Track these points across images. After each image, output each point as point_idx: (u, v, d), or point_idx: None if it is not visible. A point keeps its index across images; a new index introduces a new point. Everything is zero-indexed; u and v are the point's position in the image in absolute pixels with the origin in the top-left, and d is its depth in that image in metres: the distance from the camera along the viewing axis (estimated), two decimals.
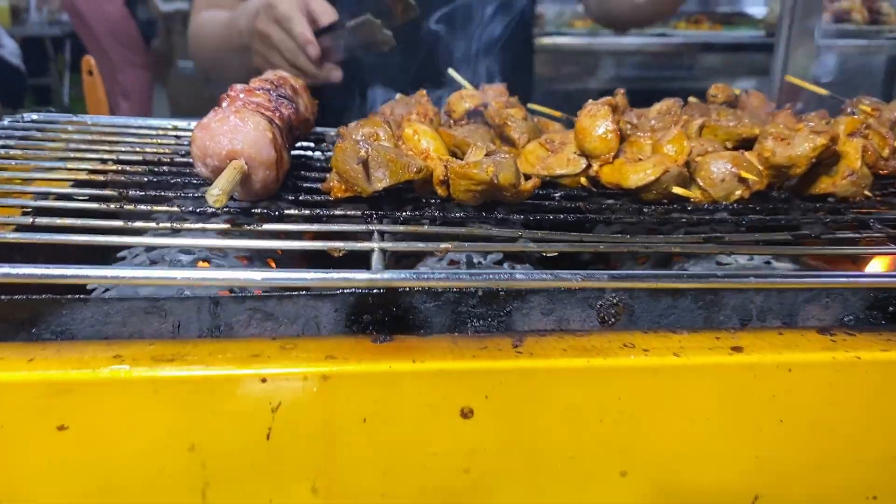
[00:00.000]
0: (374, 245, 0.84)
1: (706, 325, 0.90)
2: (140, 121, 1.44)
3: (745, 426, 0.84)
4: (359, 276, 0.77)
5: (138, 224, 0.88)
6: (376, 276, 0.78)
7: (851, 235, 0.97)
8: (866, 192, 1.08)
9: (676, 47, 5.00)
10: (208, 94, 1.68)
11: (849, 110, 1.38)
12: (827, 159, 1.07)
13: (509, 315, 0.87)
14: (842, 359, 0.82)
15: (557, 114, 1.42)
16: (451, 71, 1.47)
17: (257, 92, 1.09)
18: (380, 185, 0.93)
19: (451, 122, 1.27)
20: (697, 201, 1.05)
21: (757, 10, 5.50)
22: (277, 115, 1.04)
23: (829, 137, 1.03)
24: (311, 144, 1.32)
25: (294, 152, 1.25)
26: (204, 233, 0.92)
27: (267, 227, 0.89)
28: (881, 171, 1.13)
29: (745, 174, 1.04)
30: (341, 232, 0.91)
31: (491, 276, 0.80)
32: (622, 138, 1.10)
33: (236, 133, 0.93)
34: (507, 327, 0.88)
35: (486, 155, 0.99)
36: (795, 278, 0.85)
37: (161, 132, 1.35)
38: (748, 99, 1.39)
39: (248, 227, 0.88)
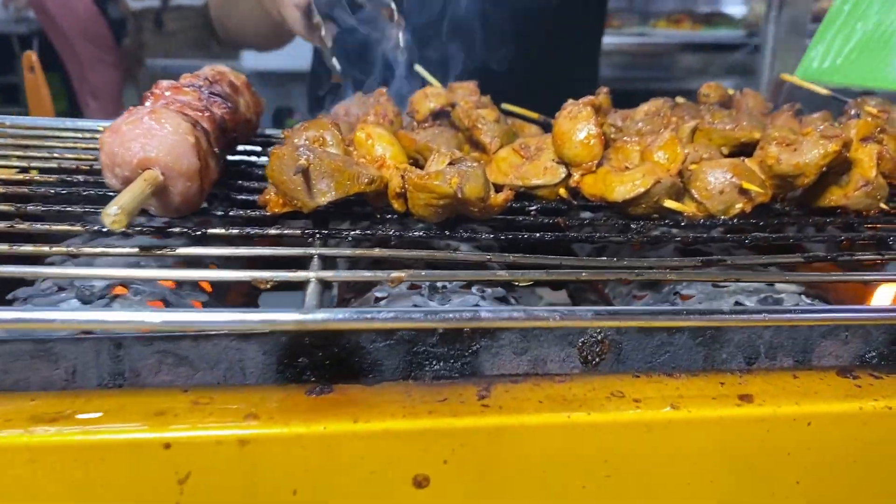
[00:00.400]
0: (311, 275, 0.69)
1: (707, 364, 0.76)
2: (68, 122, 1.28)
3: (756, 489, 0.70)
4: (285, 318, 0.63)
5: (26, 248, 0.73)
6: (307, 316, 0.63)
7: (871, 257, 0.84)
8: (882, 205, 0.95)
9: (656, 47, 4.91)
10: None
11: (853, 112, 1.26)
12: (837, 167, 0.94)
13: (476, 356, 0.73)
14: (870, 409, 0.69)
15: (534, 115, 1.28)
16: (417, 67, 1.33)
17: (186, 89, 0.94)
18: (323, 200, 0.79)
19: (415, 124, 1.13)
20: (692, 216, 0.91)
21: (736, 10, 5.42)
22: (207, 115, 0.89)
23: (842, 143, 0.90)
24: (258, 149, 1.17)
25: (234, 157, 1.10)
26: (111, 257, 0.77)
27: (183, 251, 0.74)
28: None
29: (746, 185, 0.90)
30: (276, 256, 0.76)
31: (451, 315, 0.66)
32: (606, 144, 0.96)
33: (150, 137, 0.78)
34: (473, 370, 0.73)
35: (449, 163, 0.84)
36: (812, 314, 0.72)
37: (88, 135, 1.20)
38: (743, 99, 1.26)
39: (160, 252, 0.73)
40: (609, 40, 4.68)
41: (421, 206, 0.83)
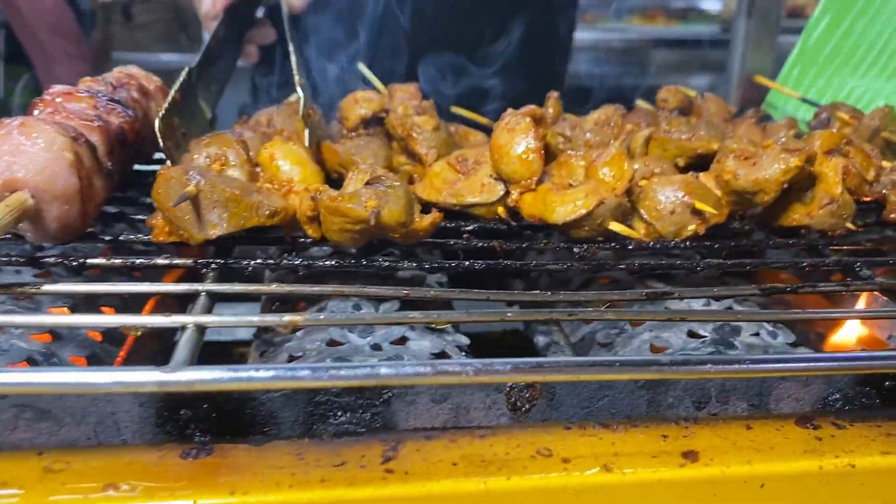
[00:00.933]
0: (189, 319, 0.59)
1: (650, 410, 0.68)
2: None
3: None
4: (144, 378, 0.53)
5: None
6: (170, 377, 0.53)
7: (836, 288, 0.76)
8: (848, 224, 0.87)
9: (631, 43, 4.84)
10: None
11: (823, 115, 1.18)
12: (800, 183, 0.86)
13: (388, 404, 0.64)
14: (831, 467, 0.61)
15: (485, 121, 1.19)
16: (360, 66, 1.23)
17: (81, 95, 0.84)
18: (213, 233, 0.69)
19: (345, 132, 1.03)
20: (640, 240, 0.83)
21: (712, 6, 5.35)
22: (98, 126, 0.80)
23: (805, 157, 0.82)
24: None
25: (148, 167, 0.99)
26: None
27: (49, 288, 0.64)
28: (864, 198, 0.93)
29: (699, 206, 0.82)
30: (158, 293, 0.66)
31: (343, 373, 0.56)
32: (550, 157, 0.87)
33: (18, 155, 0.68)
34: (385, 422, 0.64)
35: (367, 182, 0.75)
36: (764, 364, 0.63)
37: None
38: (705, 104, 1.18)
39: (21, 290, 0.63)
40: (583, 36, 4.60)
41: (335, 231, 0.73)
